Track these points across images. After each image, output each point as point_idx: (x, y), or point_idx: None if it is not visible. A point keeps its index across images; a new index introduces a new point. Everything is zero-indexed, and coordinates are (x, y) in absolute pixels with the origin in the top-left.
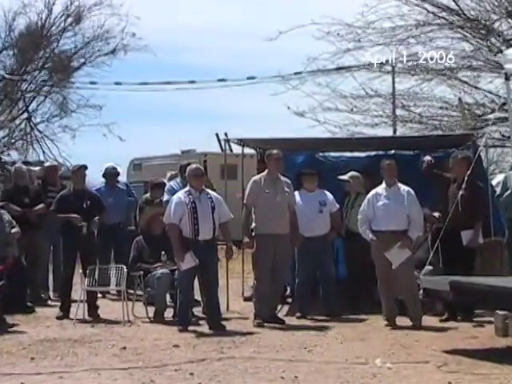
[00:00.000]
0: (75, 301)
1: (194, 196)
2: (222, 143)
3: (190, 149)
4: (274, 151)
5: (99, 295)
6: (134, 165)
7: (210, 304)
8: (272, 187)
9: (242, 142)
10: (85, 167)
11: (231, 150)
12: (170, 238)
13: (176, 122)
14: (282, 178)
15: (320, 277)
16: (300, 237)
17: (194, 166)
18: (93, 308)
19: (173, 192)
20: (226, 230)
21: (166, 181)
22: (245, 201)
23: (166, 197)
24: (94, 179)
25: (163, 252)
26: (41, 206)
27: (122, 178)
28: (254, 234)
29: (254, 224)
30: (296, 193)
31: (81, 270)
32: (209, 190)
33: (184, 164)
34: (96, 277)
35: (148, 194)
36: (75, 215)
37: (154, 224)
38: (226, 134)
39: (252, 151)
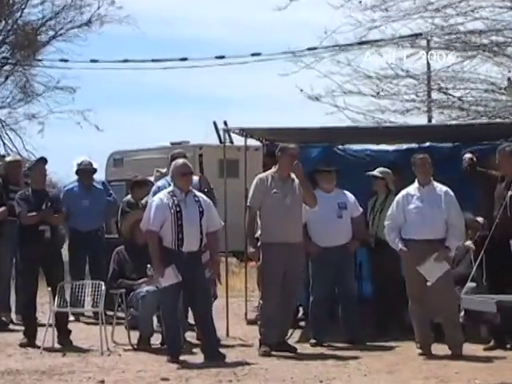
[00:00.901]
0: (43, 325)
1: (179, 198)
2: (221, 134)
3: (182, 140)
4: (291, 145)
5: (71, 318)
6: (114, 160)
7: (203, 329)
8: (281, 187)
9: (245, 133)
10: (44, 161)
11: (232, 142)
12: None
13: (165, 108)
14: (294, 176)
15: (339, 295)
16: (315, 247)
17: (180, 161)
18: (63, 333)
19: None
20: (214, 241)
21: (152, 180)
22: (248, 203)
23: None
24: (65, 177)
25: (149, 265)
26: (1, 209)
27: (100, 176)
28: (259, 243)
29: (259, 231)
30: None
31: (50, 288)
32: (196, 192)
33: (175, 154)
34: (68, 296)
35: (128, 197)
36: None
37: (138, 231)
38: (225, 123)
39: (257, 143)
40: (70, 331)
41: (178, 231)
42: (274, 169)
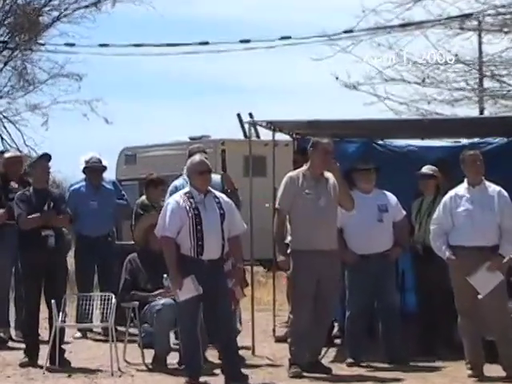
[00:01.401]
0: (45, 342)
1: (197, 200)
2: (246, 127)
3: (203, 135)
4: (325, 140)
5: (78, 334)
6: (125, 156)
7: (224, 347)
8: (314, 187)
9: (273, 126)
10: (47, 157)
11: (258, 137)
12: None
13: (183, 98)
14: (328, 174)
15: (379, 309)
16: (352, 255)
17: (196, 158)
18: (59, 351)
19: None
20: (236, 246)
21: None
22: (277, 205)
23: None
24: (71, 176)
25: (165, 275)
26: None
27: (110, 175)
28: (289, 250)
29: (289, 237)
30: None
31: (52, 300)
32: (216, 192)
33: (194, 150)
34: (73, 309)
35: (144, 197)
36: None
37: (152, 237)
38: (250, 115)
39: (286, 138)
40: (63, 350)
41: (196, 237)
42: (305, 166)
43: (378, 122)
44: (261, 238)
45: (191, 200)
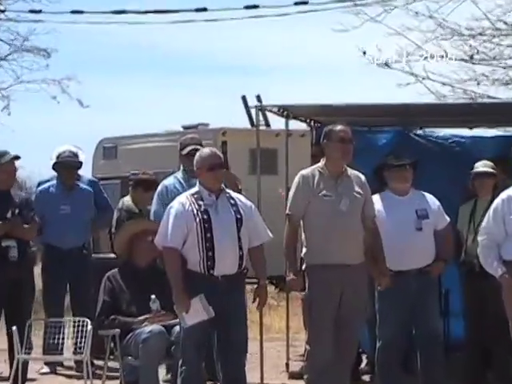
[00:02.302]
0: (5, 379)
1: (207, 202)
2: (253, 113)
3: (199, 123)
4: (339, 127)
5: (45, 369)
6: (104, 149)
7: (230, 382)
8: (334, 187)
9: (286, 112)
10: (14, 158)
11: (268, 125)
12: (165, 273)
13: (175, 78)
14: (352, 171)
15: (418, 337)
16: (385, 271)
17: (206, 150)
18: None
19: (166, 198)
20: (259, 258)
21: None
22: (288, 210)
23: (155, 206)
24: (37, 174)
25: (153, 296)
26: None
27: (86, 171)
28: (304, 265)
29: (303, 249)
30: (376, 197)
31: (14, 327)
32: (232, 192)
33: (187, 142)
34: (39, 338)
35: (128, 199)
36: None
37: (138, 249)
38: (258, 98)
39: (303, 127)
40: None
41: (206, 248)
42: (321, 162)
43: (416, 107)
44: (271, 250)
45: (200, 202)
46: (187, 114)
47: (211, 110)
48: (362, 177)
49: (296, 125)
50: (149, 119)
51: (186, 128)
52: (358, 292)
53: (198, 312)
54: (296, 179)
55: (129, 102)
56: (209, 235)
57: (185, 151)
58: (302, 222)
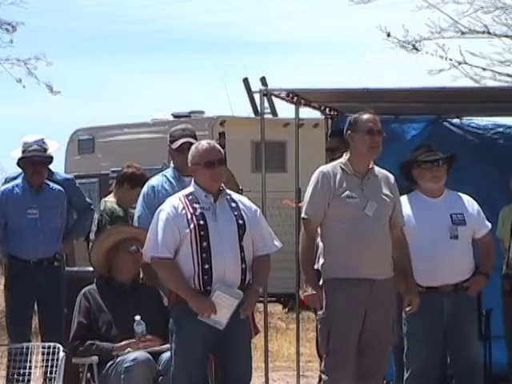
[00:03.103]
0: None
1: (204, 205)
2: (256, 98)
3: (192, 111)
4: (366, 115)
5: None
6: (79, 142)
7: None
8: (359, 188)
9: (297, 97)
10: None
11: (275, 114)
12: (151, 289)
13: (164, 57)
14: (380, 170)
15: (454, 365)
16: (414, 287)
17: (203, 143)
18: None
19: (153, 201)
20: (262, 267)
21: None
22: (303, 214)
23: (139, 210)
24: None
25: (138, 317)
26: None
27: (58, 167)
28: (321, 280)
29: (321, 260)
30: (403, 200)
31: None
32: (233, 194)
33: (176, 133)
34: (9, 366)
35: (112, 199)
36: None
37: (121, 260)
38: (263, 81)
39: (316, 115)
40: None
41: (202, 260)
42: (344, 157)
43: (452, 92)
44: (278, 264)
45: (195, 205)
46: (178, 100)
47: (206, 95)
48: (392, 177)
49: (308, 113)
50: (132, 107)
51: (176, 117)
52: (386, 312)
53: (226, 304)
54: (314, 177)
55: (108, 86)
56: (205, 244)
57: (175, 145)
58: (319, 229)
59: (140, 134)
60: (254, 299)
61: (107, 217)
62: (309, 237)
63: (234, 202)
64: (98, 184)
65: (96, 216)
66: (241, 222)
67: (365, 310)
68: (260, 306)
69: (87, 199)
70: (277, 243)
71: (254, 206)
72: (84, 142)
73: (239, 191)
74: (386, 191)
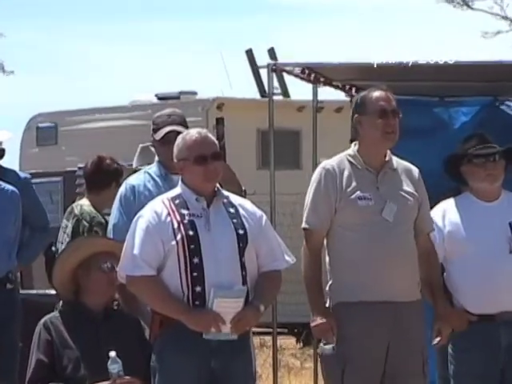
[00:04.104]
0: None
1: (194, 211)
2: (263, 75)
3: (182, 91)
4: (375, 92)
5: None
6: (38, 130)
7: None
8: (373, 186)
9: (315, 74)
10: None
11: (286, 94)
12: (129, 318)
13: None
14: (399, 161)
15: None
16: (461, 315)
17: (192, 132)
18: None
19: (133, 205)
20: (269, 285)
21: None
22: (305, 223)
23: (115, 216)
24: None
25: (113, 353)
26: None
27: (11, 163)
28: (329, 302)
29: (329, 281)
30: (449, 203)
31: None
32: (232, 195)
33: (163, 118)
34: None
35: (87, 202)
36: None
37: (91, 281)
38: (271, 53)
39: (339, 96)
40: None
41: (192, 280)
42: (352, 148)
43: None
44: (291, 286)
45: (183, 211)
46: (164, 78)
47: (200, 72)
48: (415, 170)
49: (329, 94)
50: (107, 87)
51: (161, 99)
52: (414, 345)
53: (231, 308)
54: (315, 175)
55: (75, 63)
56: (196, 261)
57: (159, 134)
58: (325, 240)
59: (116, 121)
60: (250, 316)
61: (86, 223)
62: (313, 251)
63: (233, 206)
64: (61, 184)
65: (68, 224)
66: (241, 231)
67: (387, 342)
68: (268, 338)
69: (45, 212)
70: (288, 258)
71: (258, 212)
72: (44, 131)
73: (241, 193)
74: (408, 188)
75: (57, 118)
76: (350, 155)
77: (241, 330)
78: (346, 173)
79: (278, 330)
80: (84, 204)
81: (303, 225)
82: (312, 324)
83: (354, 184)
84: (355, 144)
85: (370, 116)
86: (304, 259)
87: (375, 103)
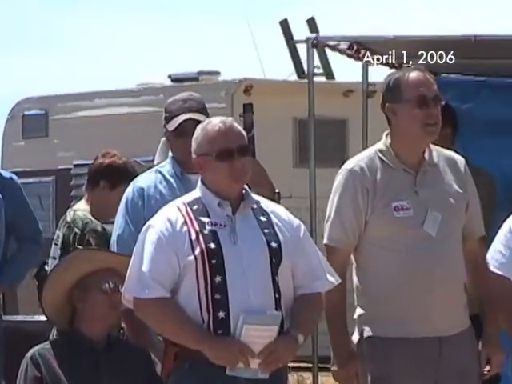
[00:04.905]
0: None
1: (216, 218)
2: (302, 52)
3: (201, 71)
4: (412, 73)
5: None
6: (25, 120)
7: None
8: (411, 190)
9: (366, 50)
10: None
11: (329, 75)
12: (136, 348)
13: None
14: (440, 151)
15: None
16: (496, 336)
17: (215, 122)
18: None
19: (142, 211)
20: (309, 309)
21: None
22: (326, 239)
23: (119, 226)
24: None
25: None
26: None
27: None
28: (356, 335)
29: (358, 310)
30: None
31: None
32: (261, 199)
33: (177, 104)
34: None
35: (84, 206)
36: None
37: (88, 306)
38: (311, 24)
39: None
40: None
41: (214, 303)
42: (383, 142)
43: None
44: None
45: (203, 218)
46: (180, 56)
47: (223, 48)
48: (460, 160)
49: (383, 75)
50: (109, 67)
51: (176, 80)
52: (467, 381)
53: (263, 339)
54: (340, 179)
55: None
56: (219, 280)
57: (173, 123)
58: (352, 259)
59: (121, 108)
60: (285, 348)
61: (78, 230)
62: (337, 273)
63: (265, 213)
64: (53, 185)
65: (59, 234)
66: (274, 244)
67: (434, 383)
68: (307, 375)
69: (36, 219)
70: (332, 278)
71: (295, 221)
72: (32, 120)
73: (274, 197)
74: (453, 187)
75: (47, 104)
76: (380, 151)
77: (274, 365)
78: (378, 174)
79: (320, 365)
80: (79, 209)
81: (325, 241)
82: (333, 368)
83: (388, 189)
84: (387, 135)
85: (406, 104)
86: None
87: (413, 88)
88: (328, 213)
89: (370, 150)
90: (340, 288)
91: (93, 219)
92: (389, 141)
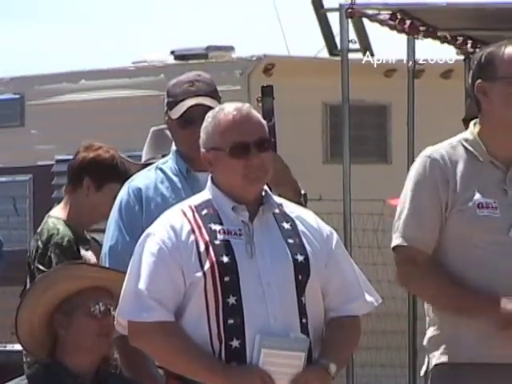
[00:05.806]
0: None
1: (230, 226)
2: (334, 23)
3: (210, 45)
4: (509, 49)
5: None
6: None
7: None
8: (500, 188)
9: (412, 20)
10: None
11: (367, 51)
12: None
13: None
14: None
15: None
16: None
17: (229, 109)
18: None
19: (139, 217)
20: (343, 336)
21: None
22: (399, 239)
23: (112, 236)
24: None
25: None
26: None
27: None
28: (427, 365)
29: (431, 328)
30: None
31: None
32: (284, 202)
33: (182, 86)
34: None
35: (59, 213)
36: None
37: (74, 332)
38: None
39: (448, 55)
40: None
41: (227, 329)
42: (470, 130)
43: None
44: (375, 337)
45: (214, 226)
46: (186, 29)
47: (238, 20)
48: None
49: (433, 52)
50: (101, 40)
51: (180, 58)
52: None
53: (286, 367)
54: (417, 167)
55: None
56: (233, 301)
57: (178, 110)
58: None
59: (113, 91)
60: (315, 380)
61: (41, 245)
62: (425, 271)
63: (289, 220)
64: (30, 185)
65: (33, 246)
66: (301, 258)
67: None
68: None
69: None
70: (371, 298)
71: (326, 228)
72: (4, 106)
73: (299, 200)
74: None
75: (23, 87)
76: (466, 140)
77: None
78: (460, 166)
79: None
80: (52, 215)
81: (397, 241)
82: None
83: (472, 184)
84: (475, 124)
85: (501, 83)
86: (420, 286)
87: (510, 64)
88: (400, 208)
89: (454, 139)
90: (440, 279)
91: (61, 229)
92: (477, 130)
